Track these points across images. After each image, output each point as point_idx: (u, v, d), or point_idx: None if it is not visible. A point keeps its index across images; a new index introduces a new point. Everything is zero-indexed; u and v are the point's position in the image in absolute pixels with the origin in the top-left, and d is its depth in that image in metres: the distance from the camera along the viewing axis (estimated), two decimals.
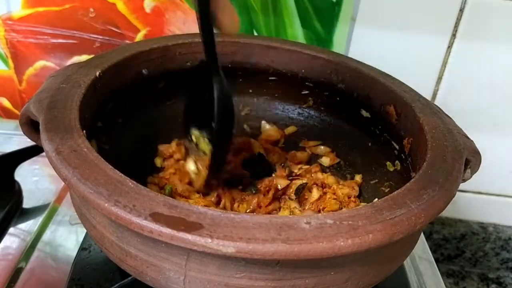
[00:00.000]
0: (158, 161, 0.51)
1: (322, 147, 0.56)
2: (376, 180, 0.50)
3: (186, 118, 0.45)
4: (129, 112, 0.49)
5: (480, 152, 0.40)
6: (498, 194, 0.75)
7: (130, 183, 0.30)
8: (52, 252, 0.48)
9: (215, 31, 0.39)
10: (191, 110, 0.45)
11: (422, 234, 0.55)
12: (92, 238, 0.37)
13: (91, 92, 0.41)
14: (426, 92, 0.64)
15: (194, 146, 0.45)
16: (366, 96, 0.50)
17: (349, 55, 0.62)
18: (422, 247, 0.56)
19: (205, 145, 0.44)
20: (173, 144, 0.52)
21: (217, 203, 0.48)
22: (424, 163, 0.36)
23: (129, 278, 0.39)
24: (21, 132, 0.39)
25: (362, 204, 0.49)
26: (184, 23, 0.62)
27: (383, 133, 0.50)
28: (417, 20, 0.61)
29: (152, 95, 0.52)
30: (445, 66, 0.64)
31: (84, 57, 0.64)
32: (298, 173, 0.53)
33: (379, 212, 0.30)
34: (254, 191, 0.48)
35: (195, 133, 0.45)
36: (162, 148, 0.52)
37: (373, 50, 0.63)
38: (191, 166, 0.47)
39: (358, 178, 0.52)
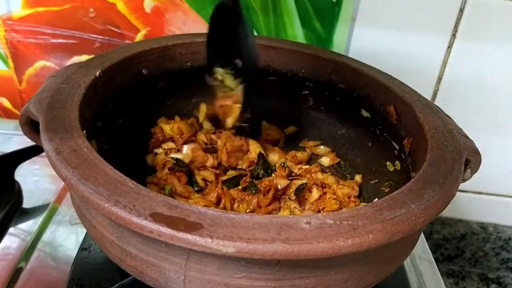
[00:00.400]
0: (149, 159, 0.51)
1: (322, 147, 0.56)
2: (376, 180, 0.50)
3: (209, 58, 0.47)
4: (129, 112, 0.49)
5: (480, 152, 0.40)
6: (498, 194, 0.75)
7: (130, 183, 0.30)
8: (52, 252, 0.48)
9: None
10: (213, 50, 0.47)
11: (422, 234, 0.55)
12: (92, 238, 0.37)
13: (91, 92, 0.41)
14: (426, 92, 0.64)
15: (220, 83, 0.47)
16: (366, 96, 0.50)
17: (349, 55, 0.62)
18: (422, 247, 0.56)
19: (231, 81, 0.46)
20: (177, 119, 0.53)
21: (217, 203, 0.48)
22: (424, 163, 0.36)
23: (129, 278, 0.39)
24: (21, 132, 0.39)
25: (362, 204, 0.49)
26: (184, 23, 0.62)
27: (383, 133, 0.50)
28: (417, 20, 0.61)
29: (152, 95, 0.52)
30: (445, 66, 0.64)
31: (84, 57, 0.64)
32: (298, 173, 0.53)
33: (379, 212, 0.30)
34: (254, 191, 0.48)
35: (219, 71, 0.46)
36: (162, 124, 0.53)
37: (373, 50, 0.63)
38: (223, 102, 0.48)
39: (358, 178, 0.52)
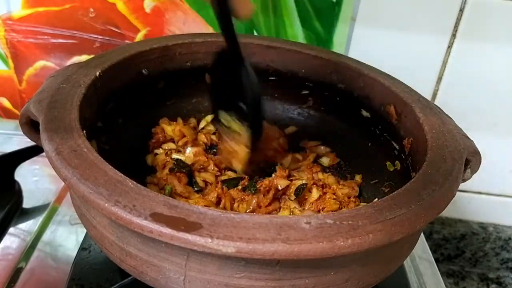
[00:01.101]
0: (149, 159, 0.51)
1: (322, 147, 0.56)
2: (376, 180, 0.50)
3: (213, 103, 0.48)
4: (129, 112, 0.49)
5: (480, 152, 0.40)
6: (498, 194, 0.75)
7: (130, 183, 0.30)
8: (52, 252, 0.48)
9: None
10: (216, 95, 0.47)
11: (422, 234, 0.55)
12: (92, 238, 0.37)
13: (91, 92, 0.41)
14: (426, 92, 0.64)
15: (225, 128, 0.47)
16: (366, 96, 0.50)
17: (349, 55, 0.62)
18: (422, 247, 0.56)
19: (237, 126, 0.46)
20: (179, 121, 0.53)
21: (217, 203, 0.48)
22: (424, 163, 0.36)
23: (129, 278, 0.39)
24: (21, 132, 0.39)
25: (362, 204, 0.49)
26: (184, 23, 0.62)
27: (383, 133, 0.50)
28: (417, 20, 0.61)
29: (152, 95, 0.52)
30: (445, 66, 0.64)
31: (84, 57, 0.64)
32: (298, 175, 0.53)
33: (379, 212, 0.30)
34: (254, 191, 0.48)
35: (224, 116, 0.46)
36: (164, 124, 0.53)
37: (373, 50, 0.63)
38: (232, 146, 0.48)
39: (358, 178, 0.52)
